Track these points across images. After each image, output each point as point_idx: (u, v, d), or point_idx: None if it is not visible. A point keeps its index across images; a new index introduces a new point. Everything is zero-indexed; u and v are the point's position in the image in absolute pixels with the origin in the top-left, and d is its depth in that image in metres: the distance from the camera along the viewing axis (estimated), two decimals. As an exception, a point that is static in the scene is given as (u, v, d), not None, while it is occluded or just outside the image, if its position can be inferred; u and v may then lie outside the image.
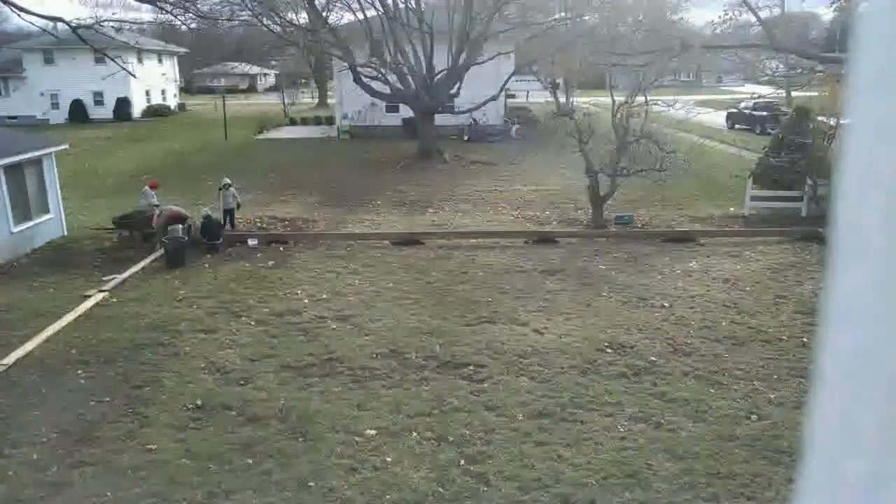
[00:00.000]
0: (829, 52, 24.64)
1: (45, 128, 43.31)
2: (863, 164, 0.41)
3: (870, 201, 0.40)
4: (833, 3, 22.73)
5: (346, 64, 29.66)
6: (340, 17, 34.83)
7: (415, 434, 8.76)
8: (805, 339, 11.47)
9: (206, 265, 15.88)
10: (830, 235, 0.45)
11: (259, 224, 19.51)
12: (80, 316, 12.65)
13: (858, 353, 0.38)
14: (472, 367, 10.57)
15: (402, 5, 29.30)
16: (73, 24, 17.69)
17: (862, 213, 0.40)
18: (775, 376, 10.27)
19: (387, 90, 30.41)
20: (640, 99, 19.00)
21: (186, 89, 77.63)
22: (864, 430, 0.37)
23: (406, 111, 34.43)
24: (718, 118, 41.98)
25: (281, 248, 17.15)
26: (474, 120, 35.29)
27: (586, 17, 31.04)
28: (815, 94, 20.68)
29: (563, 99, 47.87)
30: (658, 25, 21.83)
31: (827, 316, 0.44)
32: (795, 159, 19.21)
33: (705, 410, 9.31)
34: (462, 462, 8.17)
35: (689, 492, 7.63)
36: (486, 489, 7.72)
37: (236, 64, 76.98)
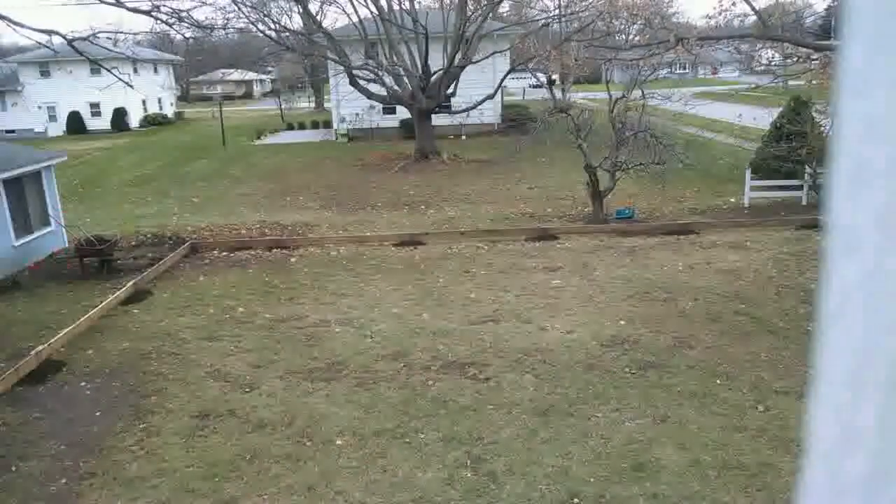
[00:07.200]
0: (824, 40, 24.60)
1: (43, 141, 43.36)
2: (854, 162, 0.41)
3: (862, 199, 0.40)
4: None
5: (341, 67, 29.69)
6: (335, 20, 34.89)
7: (422, 435, 8.76)
8: (809, 328, 11.46)
9: (207, 273, 15.89)
10: (825, 232, 0.45)
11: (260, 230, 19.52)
12: (84, 327, 12.65)
13: (856, 353, 0.38)
14: (476, 367, 10.57)
15: (396, 6, 29.31)
16: (69, 37, 17.65)
17: (854, 211, 0.40)
18: (781, 366, 10.26)
19: (383, 92, 30.42)
20: (637, 93, 18.98)
21: (183, 98, 77.70)
22: (864, 429, 0.37)
23: (403, 112, 34.42)
24: (714, 110, 41.81)
25: (282, 253, 17.17)
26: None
27: (581, 14, 31.02)
28: (813, 81, 20.64)
29: (559, 95, 47.89)
30: (652, 19, 21.83)
31: (822, 316, 0.44)
32: (794, 148, 19.19)
33: (712, 402, 9.30)
34: (470, 461, 8.17)
35: (698, 483, 7.62)
36: (495, 487, 7.72)
37: (232, 71, 76.97)
